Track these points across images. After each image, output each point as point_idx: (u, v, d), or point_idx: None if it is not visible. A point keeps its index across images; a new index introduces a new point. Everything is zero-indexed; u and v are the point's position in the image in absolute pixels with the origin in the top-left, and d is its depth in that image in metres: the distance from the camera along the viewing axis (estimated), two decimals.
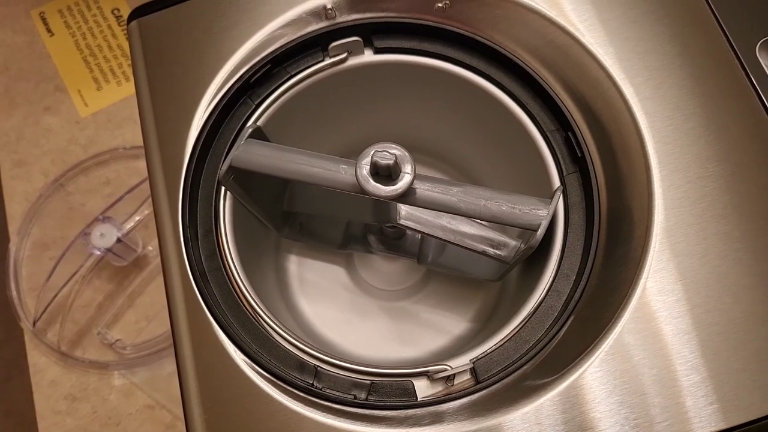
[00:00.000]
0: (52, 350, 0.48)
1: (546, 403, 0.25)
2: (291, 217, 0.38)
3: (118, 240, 0.47)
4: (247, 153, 0.28)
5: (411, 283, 0.42)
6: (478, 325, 0.40)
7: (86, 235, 0.47)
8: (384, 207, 0.33)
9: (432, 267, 0.39)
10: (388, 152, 0.25)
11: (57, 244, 0.52)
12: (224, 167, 0.28)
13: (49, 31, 0.61)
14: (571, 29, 0.30)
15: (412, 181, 0.26)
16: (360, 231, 0.39)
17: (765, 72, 0.29)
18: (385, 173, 0.26)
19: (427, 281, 0.42)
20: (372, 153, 0.25)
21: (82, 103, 0.58)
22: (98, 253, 0.47)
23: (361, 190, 0.27)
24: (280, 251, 0.42)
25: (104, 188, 0.54)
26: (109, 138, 0.56)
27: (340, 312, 0.42)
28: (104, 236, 0.47)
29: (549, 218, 0.27)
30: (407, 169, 0.26)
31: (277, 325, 0.29)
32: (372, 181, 0.26)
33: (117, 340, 0.48)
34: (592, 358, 0.26)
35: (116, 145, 0.55)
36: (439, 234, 0.33)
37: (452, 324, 0.41)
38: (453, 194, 0.27)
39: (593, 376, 0.25)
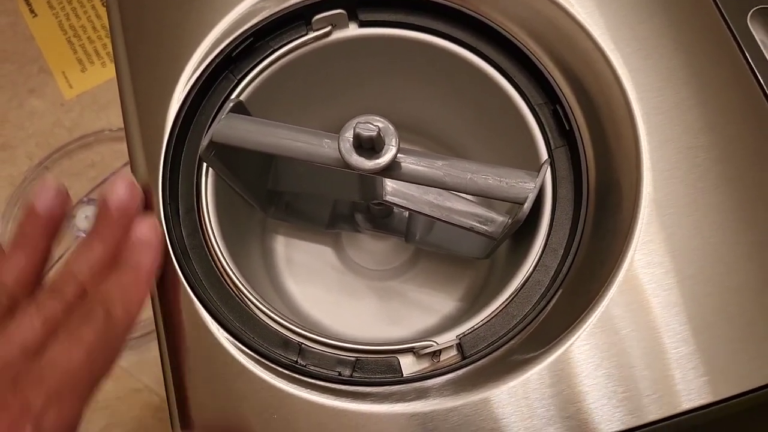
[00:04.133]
0: None
1: (533, 377, 0.25)
2: (277, 196, 0.38)
3: None
4: (228, 127, 0.28)
5: (400, 263, 0.41)
6: (467, 304, 0.40)
7: (70, 218, 0.46)
8: (370, 183, 0.32)
9: (420, 245, 0.38)
10: (371, 124, 0.25)
11: None
12: (205, 142, 0.27)
13: (32, 11, 0.59)
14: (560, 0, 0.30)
15: (396, 154, 0.26)
16: (347, 210, 0.39)
17: (756, 41, 0.29)
18: (369, 146, 0.25)
19: (416, 261, 0.42)
20: (354, 125, 0.25)
21: (67, 85, 0.57)
22: (83, 235, 0.47)
23: (345, 164, 0.26)
24: (267, 232, 0.41)
25: (89, 171, 0.53)
26: (94, 120, 0.55)
27: (329, 292, 0.41)
28: (89, 218, 0.46)
29: (536, 191, 0.26)
30: (391, 142, 0.26)
31: (260, 302, 0.28)
32: (355, 154, 0.26)
33: None
34: (579, 332, 0.25)
35: (101, 128, 0.54)
36: (426, 210, 0.32)
37: (441, 303, 0.40)
38: (438, 168, 0.27)
39: (580, 349, 0.25)
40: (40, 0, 0.60)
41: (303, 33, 0.32)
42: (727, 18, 0.29)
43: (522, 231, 0.31)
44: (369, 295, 0.41)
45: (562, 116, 0.30)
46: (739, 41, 0.28)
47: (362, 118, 0.25)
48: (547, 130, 0.31)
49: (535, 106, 0.31)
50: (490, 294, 0.33)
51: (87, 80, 0.57)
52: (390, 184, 0.32)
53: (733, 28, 0.29)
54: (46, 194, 0.27)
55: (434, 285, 0.41)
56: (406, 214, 0.38)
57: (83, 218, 0.46)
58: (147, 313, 0.48)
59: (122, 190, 0.27)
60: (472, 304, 0.40)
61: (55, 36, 0.59)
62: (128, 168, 0.30)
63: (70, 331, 0.24)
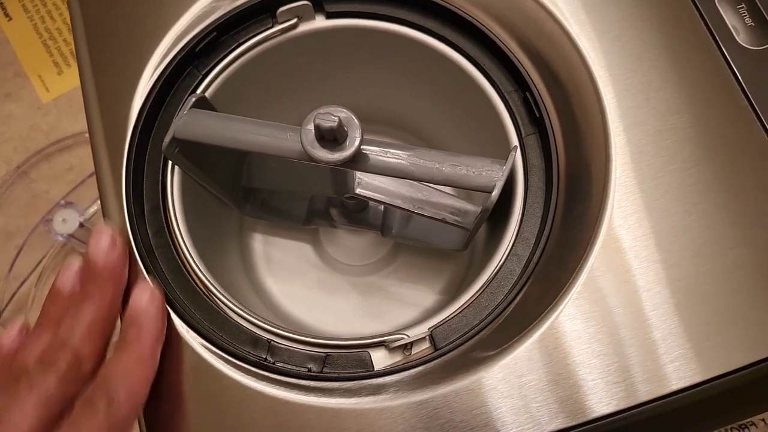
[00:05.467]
0: None
1: (497, 374, 0.24)
2: (252, 193, 0.37)
3: (81, 225, 0.46)
4: (191, 123, 0.27)
5: (379, 257, 0.41)
6: (447, 297, 0.40)
7: (48, 222, 0.46)
8: (341, 177, 0.32)
9: (397, 239, 0.38)
10: (331, 114, 0.24)
11: (22, 233, 0.51)
12: (167, 139, 0.27)
13: (6, 15, 0.59)
14: None
15: (360, 145, 0.25)
16: (323, 205, 0.38)
17: (726, 23, 0.28)
18: (331, 137, 0.25)
19: (395, 255, 0.41)
20: (314, 116, 0.24)
21: (44, 89, 0.56)
22: (61, 239, 0.46)
23: (308, 157, 0.26)
24: (244, 230, 0.41)
25: (68, 174, 0.52)
26: (72, 123, 0.55)
27: (308, 290, 0.41)
28: (66, 222, 0.45)
29: (504, 179, 0.26)
30: (355, 133, 0.25)
31: (229, 300, 0.28)
32: (318, 146, 0.25)
33: None
34: (551, 318, 0.25)
35: (79, 130, 0.54)
36: (398, 203, 0.32)
37: (422, 296, 0.40)
38: (405, 158, 0.26)
39: (555, 336, 0.25)
40: (15, 3, 0.59)
41: (268, 26, 0.32)
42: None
43: (497, 220, 0.31)
44: (349, 291, 0.41)
45: (532, 103, 0.30)
46: (708, 23, 0.28)
47: (323, 109, 0.25)
48: (518, 117, 0.30)
49: (504, 94, 0.31)
50: (468, 286, 0.33)
51: (63, 83, 0.56)
52: (362, 177, 0.32)
53: (701, 10, 0.28)
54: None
55: (414, 279, 0.41)
56: (382, 208, 0.37)
57: (60, 222, 0.45)
58: None
59: (106, 244, 0.26)
60: (453, 296, 0.40)
61: (30, 39, 0.58)
62: (104, 220, 0.28)
63: (71, 427, 0.22)
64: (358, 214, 0.37)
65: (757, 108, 0.27)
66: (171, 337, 0.26)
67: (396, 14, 0.32)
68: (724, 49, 0.28)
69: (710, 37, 0.28)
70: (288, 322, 0.39)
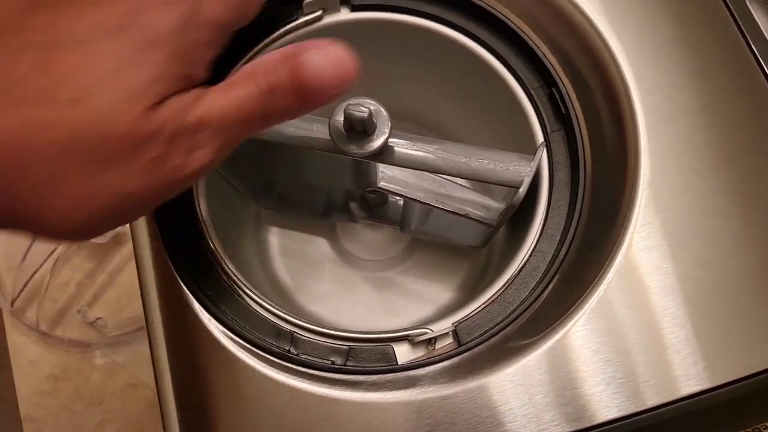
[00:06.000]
0: (31, 329, 0.47)
1: (530, 363, 0.24)
2: (269, 186, 0.37)
3: None
4: None
5: (396, 253, 0.41)
6: (464, 294, 0.39)
7: None
8: (363, 170, 0.32)
9: (415, 234, 0.38)
10: (362, 106, 0.24)
11: None
12: None
13: None
14: None
15: (388, 138, 0.25)
16: (342, 199, 0.38)
17: (755, 20, 0.28)
18: (360, 128, 0.25)
19: (412, 251, 0.41)
20: (345, 107, 0.24)
21: None
22: None
23: (336, 149, 0.25)
24: (261, 223, 0.41)
25: None
26: None
27: (324, 284, 0.41)
28: None
29: (532, 174, 0.26)
30: (383, 125, 0.25)
31: (252, 291, 0.28)
32: (347, 138, 0.25)
33: (98, 319, 0.47)
34: (577, 317, 0.25)
35: None
36: (421, 197, 0.32)
37: (438, 293, 0.40)
38: (432, 152, 0.26)
39: (578, 334, 0.24)
40: None
41: (294, 18, 0.32)
42: None
43: (519, 217, 0.31)
44: (365, 286, 0.41)
45: (558, 99, 0.29)
46: (737, 19, 0.28)
47: (353, 100, 0.25)
48: (543, 114, 0.30)
49: (530, 90, 0.31)
50: (488, 283, 0.32)
51: None
52: (384, 171, 0.32)
53: (732, 9, 0.28)
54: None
55: (431, 275, 0.40)
56: (401, 202, 0.37)
57: None
58: (140, 308, 0.48)
59: (326, 63, 0.19)
60: (470, 294, 0.39)
61: None
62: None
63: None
64: (378, 208, 0.37)
65: None
66: (194, 326, 0.26)
67: (421, 8, 0.32)
68: (753, 46, 0.28)
69: (740, 35, 0.28)
70: (303, 316, 0.39)
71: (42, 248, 0.48)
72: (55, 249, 0.48)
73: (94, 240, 0.48)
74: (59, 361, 0.47)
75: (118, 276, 0.49)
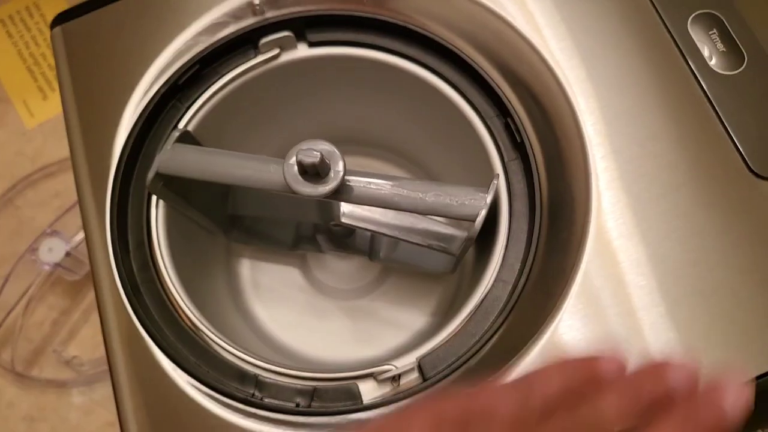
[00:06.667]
0: (6, 371, 0.47)
1: None
2: (237, 219, 0.37)
3: (67, 254, 0.45)
4: (174, 158, 0.27)
5: (368, 281, 0.41)
6: (438, 319, 0.40)
7: (34, 251, 0.46)
8: (325, 206, 0.32)
9: (385, 263, 0.38)
10: (313, 150, 0.24)
11: (8, 262, 0.50)
12: (151, 175, 0.27)
13: None
14: (502, 13, 0.30)
15: (342, 179, 0.25)
16: (310, 231, 0.38)
17: (697, 47, 0.29)
18: (313, 171, 0.25)
19: (384, 278, 0.41)
20: (296, 152, 0.25)
21: (28, 114, 0.56)
22: (47, 268, 0.46)
23: (291, 191, 0.26)
24: (231, 255, 0.41)
25: (54, 201, 0.52)
26: (57, 148, 0.54)
27: (298, 315, 0.41)
28: (52, 251, 0.45)
29: (486, 208, 0.26)
30: (337, 166, 0.26)
31: (215, 335, 0.28)
32: (301, 180, 0.25)
33: (74, 357, 0.47)
34: (536, 348, 0.25)
35: (65, 156, 0.53)
36: (384, 230, 0.32)
37: (412, 319, 0.40)
38: (388, 189, 0.27)
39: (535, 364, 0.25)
40: None
41: (251, 57, 0.32)
42: (667, 24, 0.29)
43: (484, 245, 0.31)
44: (338, 315, 0.41)
45: (513, 129, 0.30)
46: (680, 47, 0.28)
47: (305, 144, 0.25)
48: (500, 142, 0.31)
49: (487, 119, 0.31)
50: (458, 308, 0.33)
51: (48, 108, 0.56)
52: (346, 206, 0.32)
53: (673, 34, 0.29)
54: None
55: (404, 301, 0.41)
56: (369, 233, 0.37)
57: (46, 251, 0.45)
58: None
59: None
60: (444, 318, 0.40)
61: (14, 64, 0.58)
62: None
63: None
64: (345, 239, 0.37)
65: (730, 132, 0.27)
66: (157, 376, 0.26)
67: (378, 42, 0.33)
68: (697, 75, 0.28)
69: (684, 63, 0.29)
70: (276, 348, 0.39)
71: (15, 288, 0.48)
72: (28, 288, 0.47)
73: (68, 277, 0.48)
74: (36, 401, 0.46)
75: (93, 313, 0.48)
